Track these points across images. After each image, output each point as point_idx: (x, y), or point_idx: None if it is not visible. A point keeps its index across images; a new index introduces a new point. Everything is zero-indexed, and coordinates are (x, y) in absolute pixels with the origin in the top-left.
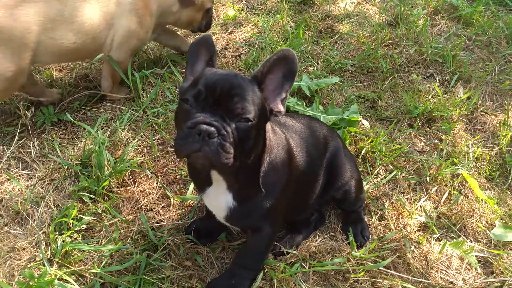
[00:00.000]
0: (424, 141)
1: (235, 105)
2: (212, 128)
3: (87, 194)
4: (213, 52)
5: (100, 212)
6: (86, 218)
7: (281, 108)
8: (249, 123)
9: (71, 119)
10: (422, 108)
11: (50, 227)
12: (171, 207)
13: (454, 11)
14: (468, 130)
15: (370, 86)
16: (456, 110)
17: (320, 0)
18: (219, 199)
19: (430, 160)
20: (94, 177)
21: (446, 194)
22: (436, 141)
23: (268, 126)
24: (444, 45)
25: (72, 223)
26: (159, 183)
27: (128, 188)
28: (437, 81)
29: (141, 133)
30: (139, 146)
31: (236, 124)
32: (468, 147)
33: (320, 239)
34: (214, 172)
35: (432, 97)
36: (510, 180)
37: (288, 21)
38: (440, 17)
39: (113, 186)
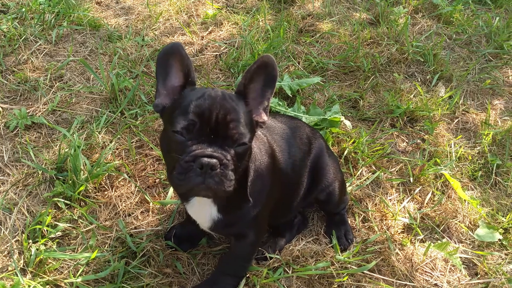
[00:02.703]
0: (407, 141)
1: (232, 131)
2: (214, 160)
3: (63, 200)
4: (188, 64)
5: (76, 218)
6: (62, 225)
7: (265, 118)
8: (246, 145)
9: (45, 121)
10: (404, 107)
11: (23, 234)
12: (150, 212)
13: (434, 9)
14: (450, 129)
15: (352, 86)
16: (438, 109)
17: None
18: (203, 211)
19: (413, 161)
20: (70, 182)
21: (430, 194)
22: (419, 141)
23: None
24: (425, 44)
25: (47, 230)
26: (137, 187)
27: (105, 193)
28: (419, 80)
29: (118, 136)
30: (117, 149)
31: (235, 149)
32: (451, 147)
33: (304, 242)
34: None
35: (414, 96)
36: (492, 180)
37: (268, 20)
38: (421, 16)
39: (90, 191)
